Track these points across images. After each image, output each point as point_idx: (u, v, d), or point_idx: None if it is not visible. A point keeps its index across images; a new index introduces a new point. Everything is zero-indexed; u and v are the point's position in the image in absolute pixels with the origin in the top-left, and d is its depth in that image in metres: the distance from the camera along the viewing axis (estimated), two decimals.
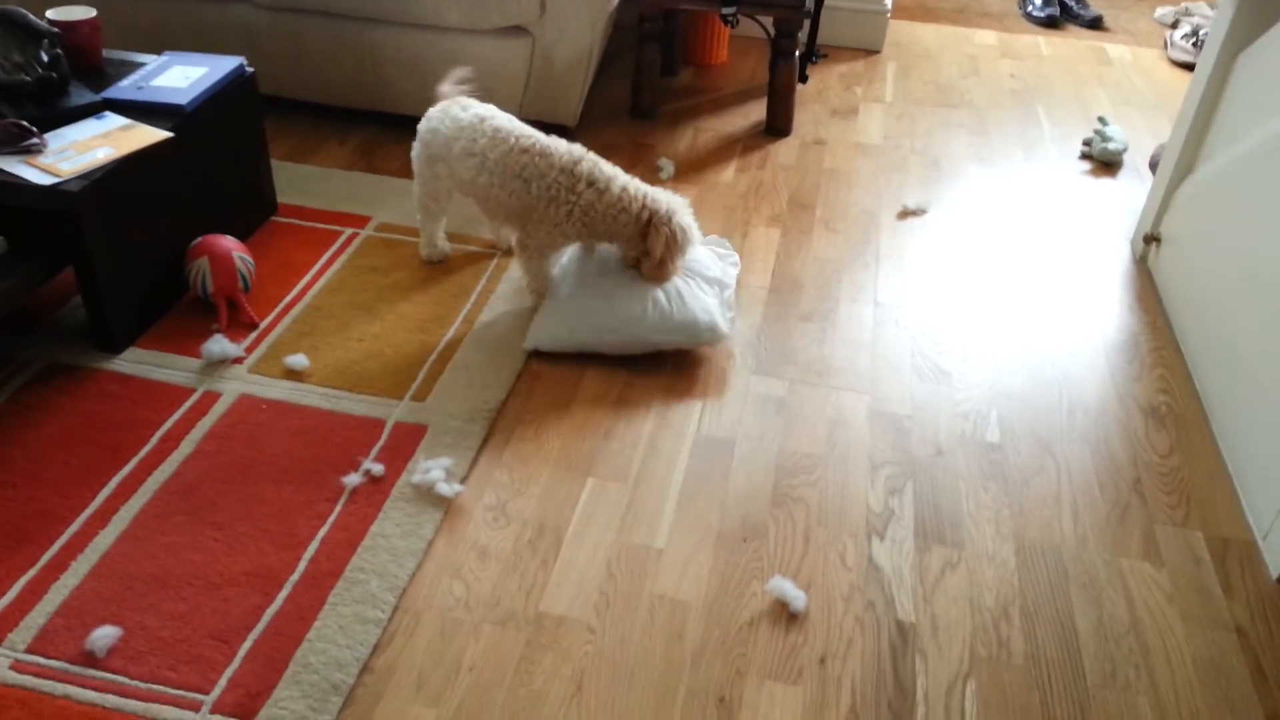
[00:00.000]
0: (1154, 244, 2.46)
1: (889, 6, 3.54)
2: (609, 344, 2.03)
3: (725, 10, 2.75)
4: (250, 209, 2.32)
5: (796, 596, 1.59)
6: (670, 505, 1.75)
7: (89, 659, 1.42)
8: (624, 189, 2.02)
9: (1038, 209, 2.70)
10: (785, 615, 1.58)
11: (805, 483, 1.82)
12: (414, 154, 2.14)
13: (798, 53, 2.87)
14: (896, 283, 2.36)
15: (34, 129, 1.86)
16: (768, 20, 2.88)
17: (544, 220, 2.02)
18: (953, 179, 2.81)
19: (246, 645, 1.45)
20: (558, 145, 2.03)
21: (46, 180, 1.77)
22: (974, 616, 1.60)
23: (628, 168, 2.72)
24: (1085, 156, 2.98)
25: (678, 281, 2.07)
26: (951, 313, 2.28)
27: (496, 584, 1.59)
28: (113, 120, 1.97)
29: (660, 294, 2.03)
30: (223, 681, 1.40)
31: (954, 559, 1.69)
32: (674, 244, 2.02)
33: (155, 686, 1.39)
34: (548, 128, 2.83)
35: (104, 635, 1.43)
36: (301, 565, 1.57)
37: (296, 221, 2.39)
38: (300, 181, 2.54)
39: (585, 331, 2.02)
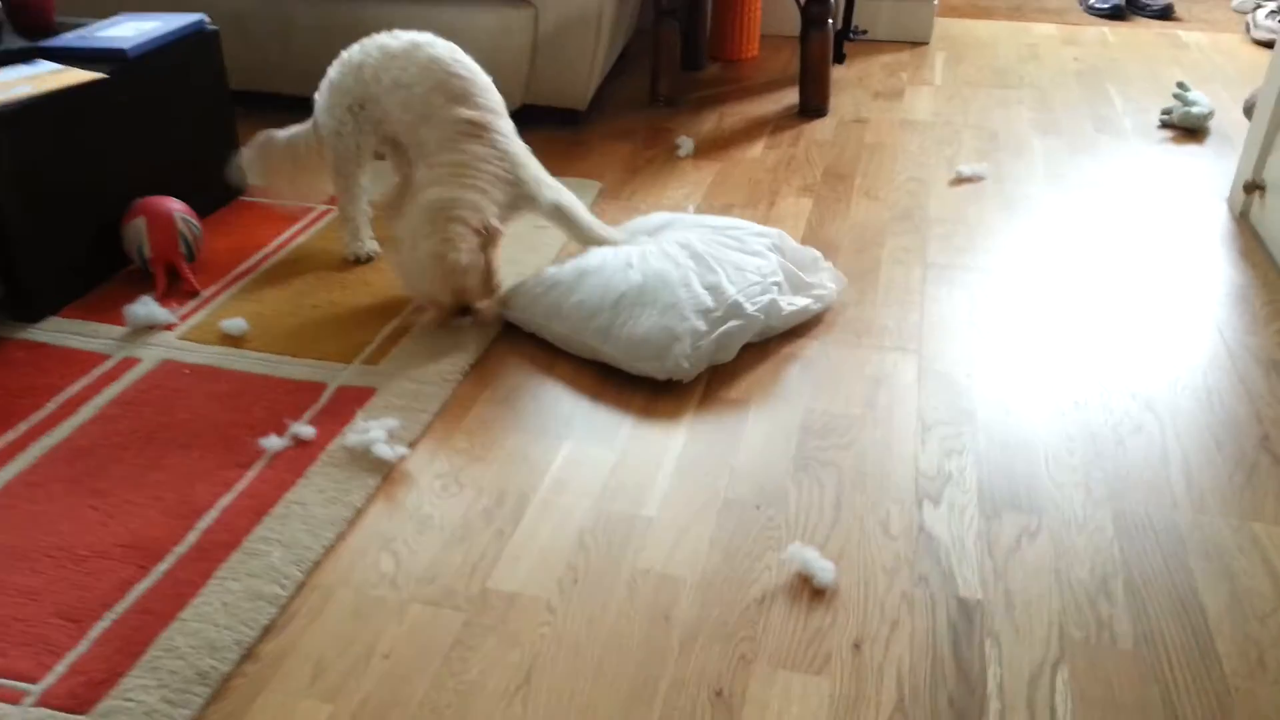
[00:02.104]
0: (1257, 193, 2.07)
1: None
2: (556, 333, 1.64)
3: None
4: (213, 186, 2.08)
5: (823, 568, 1.22)
6: (665, 471, 1.40)
7: None
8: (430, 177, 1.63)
9: (1115, 174, 2.33)
10: (808, 591, 1.20)
11: (837, 445, 1.45)
12: (321, 107, 1.80)
13: (830, 22, 2.59)
14: (951, 245, 2.01)
15: None
16: None
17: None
18: (1014, 150, 2.47)
19: (102, 626, 1.13)
20: (478, 93, 1.69)
21: None
22: (1062, 592, 1.20)
23: (641, 150, 2.47)
24: (1165, 125, 2.62)
25: (658, 271, 1.64)
26: (1019, 273, 1.91)
27: (436, 558, 1.25)
28: (44, 66, 1.76)
29: (626, 286, 1.62)
30: (60, 668, 1.08)
31: (1032, 526, 1.30)
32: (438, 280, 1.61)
33: None
34: (556, 113, 2.59)
35: None
36: (191, 536, 1.25)
37: (264, 201, 2.15)
38: None
39: (543, 309, 1.66)
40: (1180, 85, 2.65)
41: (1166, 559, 1.25)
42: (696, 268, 1.65)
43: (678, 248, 1.69)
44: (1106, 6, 3.64)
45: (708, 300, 1.59)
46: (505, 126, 1.71)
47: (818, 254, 1.80)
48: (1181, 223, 2.09)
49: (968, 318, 1.76)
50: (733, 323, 1.59)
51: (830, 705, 1.06)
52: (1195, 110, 2.56)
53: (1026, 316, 1.76)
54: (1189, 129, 2.58)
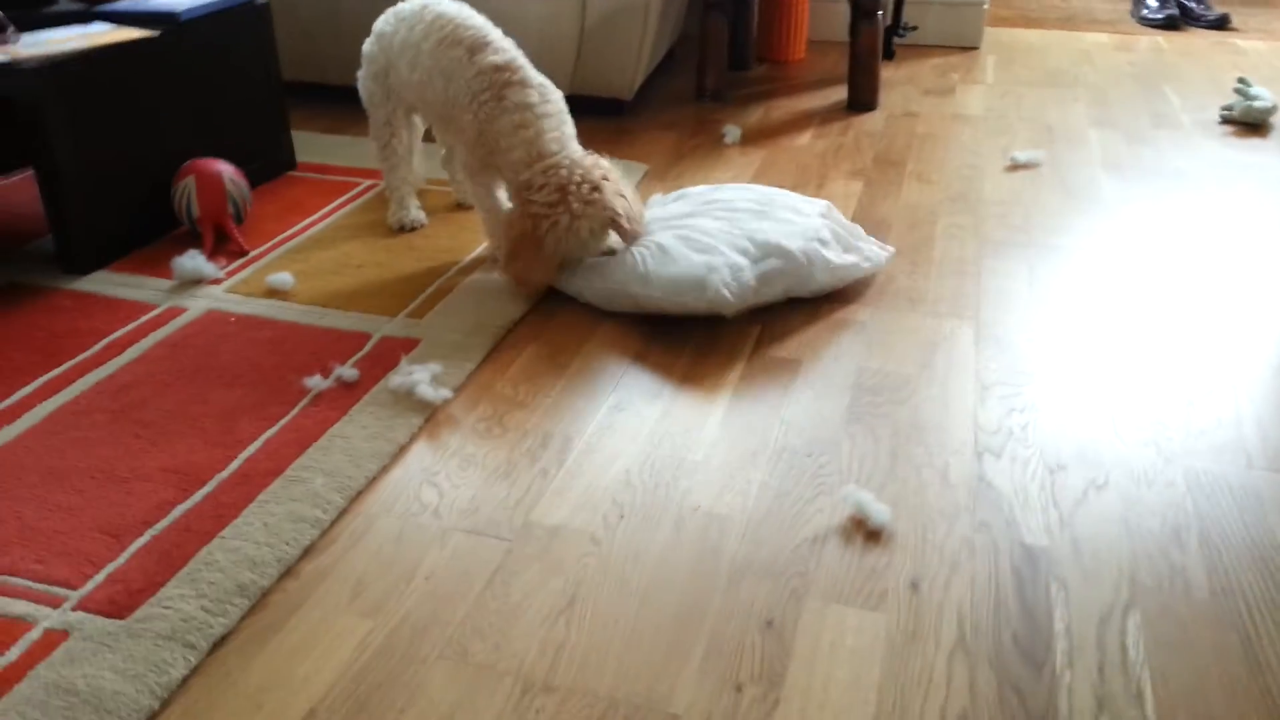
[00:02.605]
0: None
1: (985, 0, 3.24)
2: (597, 291, 1.60)
3: None
4: (263, 158, 2.09)
5: (879, 510, 1.17)
6: (715, 420, 1.36)
7: None
8: (527, 120, 1.55)
9: (1175, 164, 2.28)
10: (863, 533, 1.16)
11: (892, 400, 1.41)
12: (360, 80, 1.83)
13: (880, 16, 2.57)
14: (1007, 223, 1.96)
15: (7, 23, 1.67)
16: None
17: (460, 129, 1.65)
18: (1070, 141, 2.42)
19: (142, 540, 1.11)
20: (497, 44, 1.63)
21: (2, 60, 1.57)
22: (1132, 542, 1.14)
23: (686, 138, 2.45)
24: (1226, 121, 2.56)
25: (699, 225, 1.62)
26: (1080, 248, 1.86)
27: (478, 493, 1.22)
28: (99, 27, 1.78)
29: (666, 239, 1.59)
30: (100, 577, 1.06)
31: (1099, 480, 1.25)
32: (549, 237, 1.54)
33: (12, 579, 1.05)
34: (601, 102, 2.59)
35: None
36: (234, 464, 1.23)
37: (314, 175, 2.15)
38: (327, 148, 2.32)
39: (583, 271, 1.62)
40: (1241, 80, 2.59)
41: (1243, 514, 1.19)
42: (738, 218, 1.63)
43: (719, 207, 1.68)
44: (1160, 17, 3.59)
45: (747, 243, 1.57)
46: (532, 71, 1.64)
47: (860, 229, 1.76)
48: (1245, 206, 2.03)
49: (1026, 287, 1.71)
50: (774, 260, 1.57)
51: (887, 639, 1.01)
52: (1258, 104, 2.50)
53: (1088, 287, 1.71)
54: (1251, 124, 2.52)
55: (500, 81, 1.58)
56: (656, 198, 1.86)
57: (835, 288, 1.67)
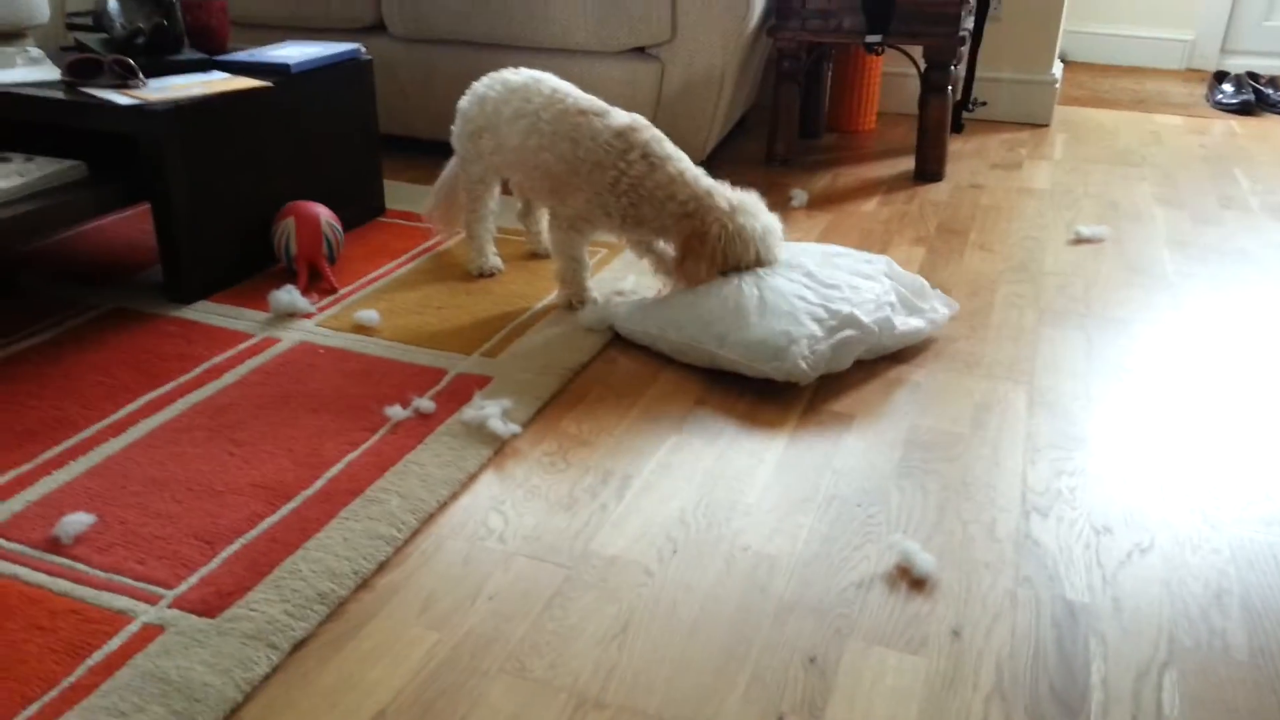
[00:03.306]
0: None
1: (1058, 77, 3.30)
2: (672, 343, 1.68)
3: (870, 39, 2.58)
4: (356, 203, 2.23)
5: (924, 560, 1.22)
6: (768, 466, 1.42)
7: (52, 544, 1.20)
8: (680, 173, 1.73)
9: (1241, 244, 2.30)
10: (908, 580, 1.20)
11: (942, 458, 1.45)
12: (454, 134, 1.96)
13: (950, 90, 2.65)
14: (1068, 294, 2.01)
15: (137, 69, 1.83)
16: (917, 52, 2.69)
17: (585, 186, 1.76)
18: (1135, 218, 2.46)
19: (233, 548, 1.20)
20: (617, 110, 1.81)
21: (131, 103, 1.72)
22: (1173, 603, 1.17)
23: None
24: None
25: (774, 286, 1.69)
26: (1140, 321, 1.89)
27: (541, 522, 1.29)
28: (218, 75, 1.94)
29: (743, 298, 1.67)
30: (193, 579, 1.15)
31: (1144, 542, 1.28)
32: (712, 242, 1.69)
33: (115, 576, 1.15)
34: None
35: (73, 522, 1.21)
36: (319, 483, 1.32)
37: (402, 222, 2.28)
38: (414, 197, 2.45)
39: (656, 322, 1.71)
40: None
41: None
42: (812, 284, 1.69)
43: (792, 269, 1.75)
44: (1235, 102, 3.61)
45: (823, 312, 1.63)
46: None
47: (925, 281, 1.82)
48: None
49: (1083, 356, 1.75)
50: (849, 331, 1.62)
51: (926, 681, 1.06)
52: None
53: (1145, 359, 1.74)
54: None
55: (640, 141, 1.74)
56: None
57: (902, 346, 1.74)
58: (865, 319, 1.64)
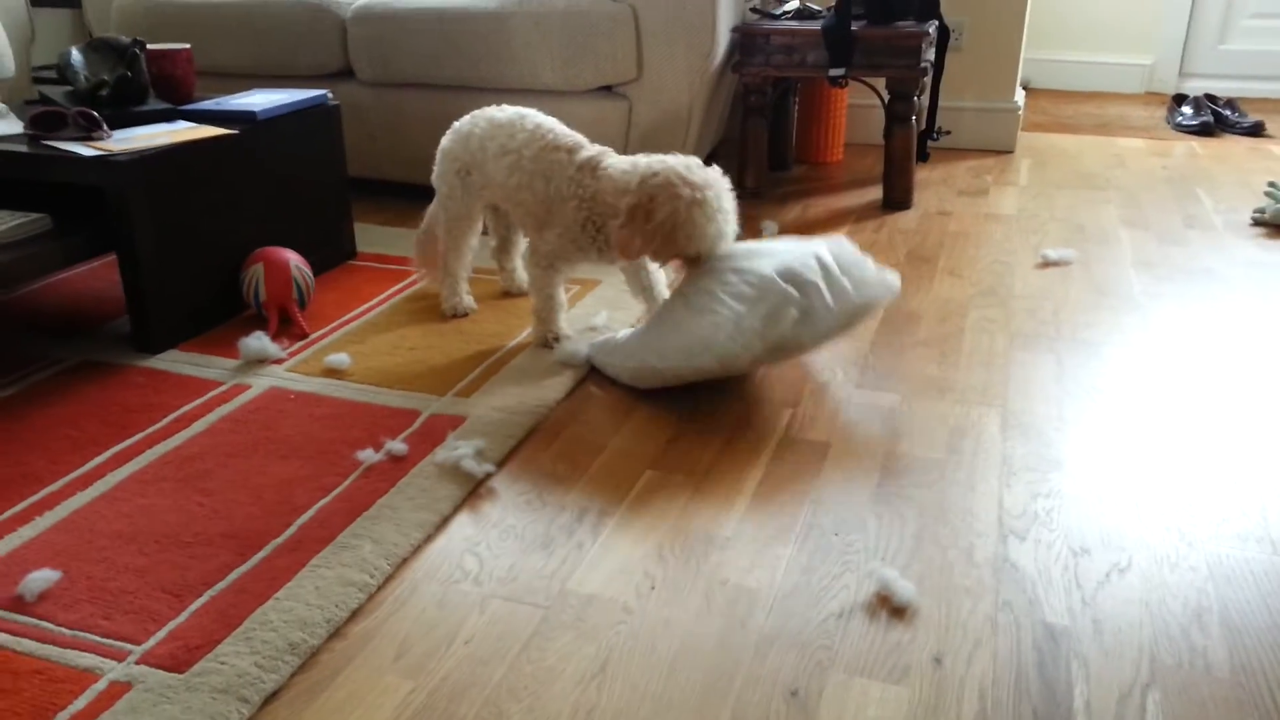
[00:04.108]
0: None
1: (1020, 105, 3.35)
2: (630, 371, 1.68)
3: (833, 72, 2.62)
4: (327, 247, 2.23)
5: (904, 587, 1.21)
6: (745, 498, 1.42)
7: (15, 603, 1.17)
8: (627, 169, 1.70)
9: (1207, 263, 2.33)
10: (888, 609, 1.19)
11: (918, 484, 1.45)
12: (436, 174, 1.94)
13: (914, 120, 2.68)
14: (1037, 318, 2.02)
15: (101, 121, 1.82)
16: (880, 84, 2.73)
17: (557, 222, 1.77)
18: (1101, 240, 2.49)
19: (201, 600, 1.18)
20: (590, 146, 1.81)
21: (95, 154, 1.71)
22: (1154, 623, 1.17)
23: None
24: (1258, 223, 2.61)
25: (699, 286, 1.65)
26: (1109, 342, 1.91)
27: (517, 562, 1.28)
28: (183, 125, 1.93)
29: (674, 310, 1.66)
30: (161, 633, 1.12)
31: (1122, 563, 1.27)
32: (657, 222, 1.61)
33: (81, 634, 1.12)
34: None
35: (38, 579, 1.19)
36: (290, 531, 1.30)
37: (373, 265, 2.28)
38: (386, 239, 2.45)
39: (615, 354, 1.71)
40: (1272, 184, 2.65)
41: (1266, 598, 1.21)
42: (732, 264, 1.65)
43: (716, 265, 1.69)
44: (1195, 124, 3.68)
45: (745, 288, 1.59)
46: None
47: (870, 260, 1.74)
48: (1274, 305, 2.07)
49: (1054, 379, 1.76)
50: (771, 296, 1.58)
51: (909, 712, 1.04)
52: None
53: (1116, 379, 1.75)
54: None
55: (592, 165, 1.76)
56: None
57: (849, 323, 1.67)
58: (778, 279, 1.59)
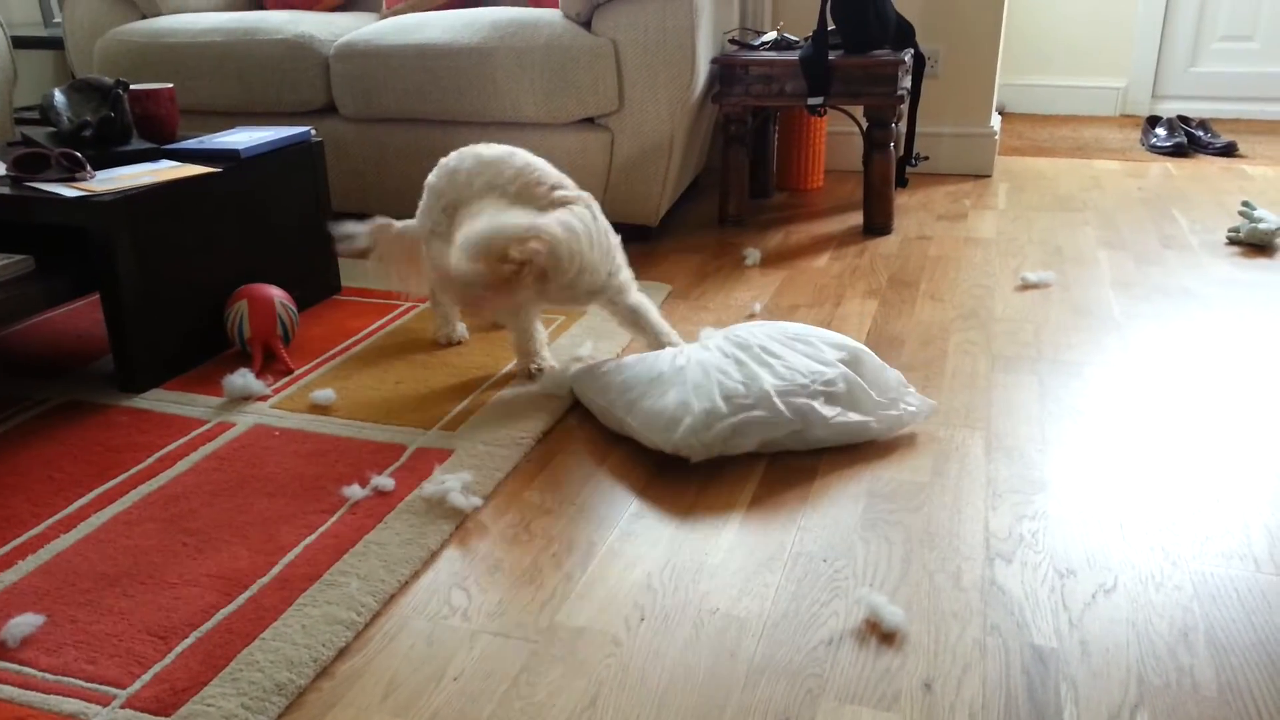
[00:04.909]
0: None
1: (997, 129, 3.39)
2: (598, 407, 1.68)
3: (812, 101, 2.65)
4: (311, 283, 2.23)
5: (892, 613, 1.21)
6: (733, 526, 1.42)
7: None
8: (579, 214, 1.71)
9: (1184, 282, 2.36)
10: (877, 635, 1.19)
11: (905, 508, 1.46)
12: (421, 209, 1.92)
13: (892, 146, 2.71)
14: (1018, 340, 2.04)
15: (85, 162, 1.83)
16: (858, 112, 2.76)
17: None
18: (1080, 262, 2.51)
19: (187, 642, 1.17)
20: (569, 186, 1.80)
21: (78, 195, 1.71)
22: (1140, 642, 1.17)
23: (709, 260, 2.57)
24: (1233, 242, 2.64)
25: (700, 358, 1.64)
26: (1090, 363, 1.93)
27: (505, 596, 1.27)
28: (167, 164, 1.94)
29: (664, 367, 1.65)
30: (146, 676, 1.11)
31: (1108, 583, 1.28)
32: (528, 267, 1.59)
33: (64, 679, 1.11)
34: (628, 228, 2.72)
35: (20, 624, 1.18)
36: (275, 569, 1.30)
37: (358, 299, 2.28)
38: (370, 274, 2.45)
39: (592, 385, 1.71)
40: (1245, 204, 2.69)
41: (1250, 616, 1.22)
42: (743, 358, 1.63)
43: (730, 341, 1.69)
44: (1169, 145, 3.73)
45: (739, 387, 1.56)
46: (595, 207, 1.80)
47: (898, 376, 1.68)
48: (1251, 323, 2.09)
49: (1037, 400, 1.77)
50: (757, 413, 1.54)
51: None
52: (1263, 226, 2.59)
53: (1098, 400, 1.76)
54: (1257, 245, 2.60)
55: (563, 202, 1.75)
56: (707, 330, 1.89)
57: (842, 443, 1.61)
58: (780, 404, 1.55)
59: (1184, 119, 3.90)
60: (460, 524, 1.42)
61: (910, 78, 2.84)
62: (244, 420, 1.70)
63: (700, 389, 1.57)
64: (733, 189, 2.84)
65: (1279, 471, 1.52)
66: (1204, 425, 1.67)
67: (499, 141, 2.01)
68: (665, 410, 1.56)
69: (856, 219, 2.91)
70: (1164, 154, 3.72)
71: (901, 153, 3.01)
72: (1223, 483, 1.50)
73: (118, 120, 1.97)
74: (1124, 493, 1.48)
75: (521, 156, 1.85)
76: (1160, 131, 3.82)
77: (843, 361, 1.66)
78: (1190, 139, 3.76)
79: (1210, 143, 3.72)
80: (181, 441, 1.63)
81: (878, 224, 2.77)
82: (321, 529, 1.39)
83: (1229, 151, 3.68)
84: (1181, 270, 2.43)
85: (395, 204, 2.76)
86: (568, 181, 1.83)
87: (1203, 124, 3.84)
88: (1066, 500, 1.46)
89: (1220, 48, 4.28)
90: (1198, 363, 1.91)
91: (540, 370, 1.85)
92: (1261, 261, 2.50)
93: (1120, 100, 4.43)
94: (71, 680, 1.11)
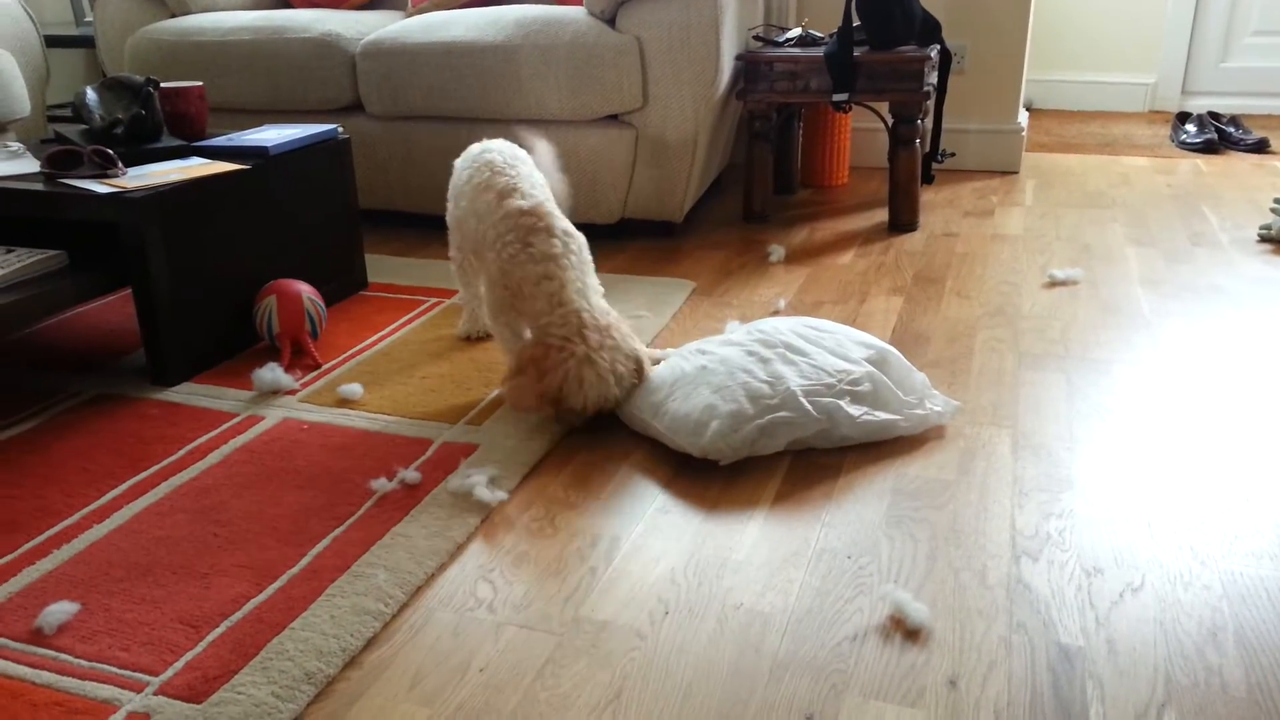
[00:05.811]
0: None
1: (1024, 125, 3.37)
2: (626, 411, 1.65)
3: (837, 97, 2.64)
4: (338, 278, 2.25)
5: (917, 609, 1.21)
6: (757, 522, 1.42)
7: (34, 636, 1.18)
8: (551, 271, 1.59)
9: (1214, 280, 2.33)
10: (902, 631, 1.19)
11: (930, 505, 1.45)
12: (448, 211, 1.92)
13: (918, 142, 2.70)
14: (1046, 337, 2.02)
15: (116, 159, 1.85)
16: (884, 108, 2.75)
17: (485, 267, 1.71)
18: (1108, 259, 2.49)
19: (218, 631, 1.18)
20: (534, 196, 1.68)
21: (110, 191, 1.74)
22: (1168, 642, 1.17)
23: (734, 257, 2.57)
24: (1264, 240, 2.61)
25: (724, 355, 1.62)
26: (1118, 360, 1.91)
27: (531, 589, 1.28)
28: (196, 161, 1.96)
29: (686, 366, 1.64)
30: (179, 664, 1.13)
31: (1135, 582, 1.27)
32: (550, 380, 1.56)
33: (99, 665, 1.13)
34: (653, 225, 2.73)
35: (56, 612, 1.20)
36: (305, 561, 1.31)
37: (384, 295, 2.30)
38: (397, 269, 2.47)
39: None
40: (1277, 201, 2.66)
41: None
42: (768, 354, 1.62)
43: (754, 338, 1.68)
44: (1199, 141, 3.69)
45: (764, 388, 1.56)
46: (561, 218, 1.70)
47: (923, 378, 1.69)
48: None
49: (1064, 398, 1.76)
50: (784, 414, 1.53)
51: None
52: None
53: (1126, 398, 1.75)
54: None
55: (525, 226, 1.63)
56: (733, 324, 1.88)
57: (869, 440, 1.61)
58: (804, 401, 1.55)
59: (1214, 115, 3.86)
60: (486, 517, 1.43)
61: (936, 73, 2.83)
62: (273, 414, 1.72)
63: (726, 391, 1.57)
64: (757, 185, 2.84)
65: None
66: (1233, 424, 1.65)
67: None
68: (692, 414, 1.56)
69: (882, 215, 2.90)
70: (1194, 150, 3.68)
71: (927, 149, 3.00)
72: (1252, 482, 1.48)
73: (149, 118, 1.99)
74: (1152, 491, 1.47)
75: (489, 153, 1.78)
76: (1190, 128, 3.78)
77: (870, 361, 1.66)
78: (1221, 135, 3.72)
79: (1241, 139, 3.68)
80: (212, 434, 1.65)
81: (903, 220, 2.76)
82: (350, 521, 1.40)
83: (1261, 148, 3.64)
84: (1211, 268, 2.41)
85: (421, 202, 2.78)
86: (520, 185, 1.70)
87: (1234, 120, 3.79)
88: (1094, 499, 1.45)
89: (1252, 42, 4.23)
90: (1227, 361, 1.89)
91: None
92: None
93: (1150, 96, 4.39)
94: (106, 667, 1.13)
